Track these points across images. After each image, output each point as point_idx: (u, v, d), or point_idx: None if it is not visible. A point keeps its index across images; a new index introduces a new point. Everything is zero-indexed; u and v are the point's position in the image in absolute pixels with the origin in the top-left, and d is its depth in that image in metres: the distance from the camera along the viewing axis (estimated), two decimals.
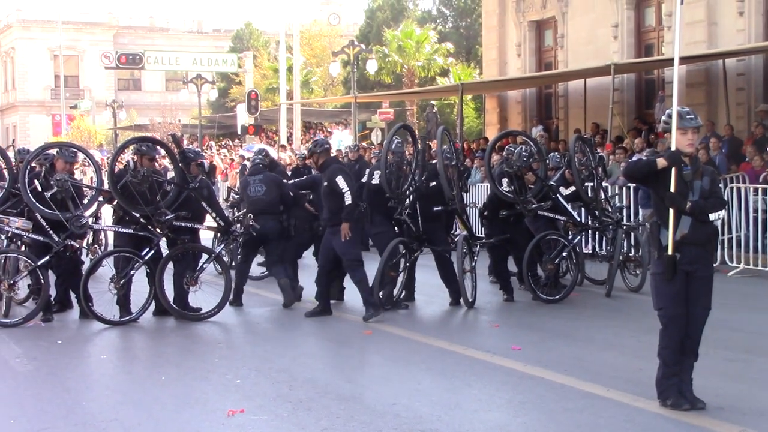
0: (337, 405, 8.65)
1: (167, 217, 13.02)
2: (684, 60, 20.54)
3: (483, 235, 14.95)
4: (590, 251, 17.20)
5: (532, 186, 14.59)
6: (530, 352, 10.73)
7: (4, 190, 13.62)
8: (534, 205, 14.32)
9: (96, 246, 15.99)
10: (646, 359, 9.16)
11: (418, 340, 11.69)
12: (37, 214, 13.06)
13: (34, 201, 12.95)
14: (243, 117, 45.73)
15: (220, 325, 12.90)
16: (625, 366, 9.98)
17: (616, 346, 11.14)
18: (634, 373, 9.52)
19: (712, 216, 8.19)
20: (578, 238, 14.98)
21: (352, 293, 13.98)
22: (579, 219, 15.39)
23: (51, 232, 13.10)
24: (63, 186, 13.10)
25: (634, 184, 17.12)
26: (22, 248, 13.41)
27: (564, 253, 14.51)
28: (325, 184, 13.22)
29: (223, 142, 53.13)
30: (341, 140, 38.77)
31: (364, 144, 32.16)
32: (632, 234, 16.06)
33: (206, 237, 15.84)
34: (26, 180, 12.96)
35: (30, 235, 13.14)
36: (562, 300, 14.08)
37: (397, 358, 10.70)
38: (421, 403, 8.66)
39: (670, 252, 8.12)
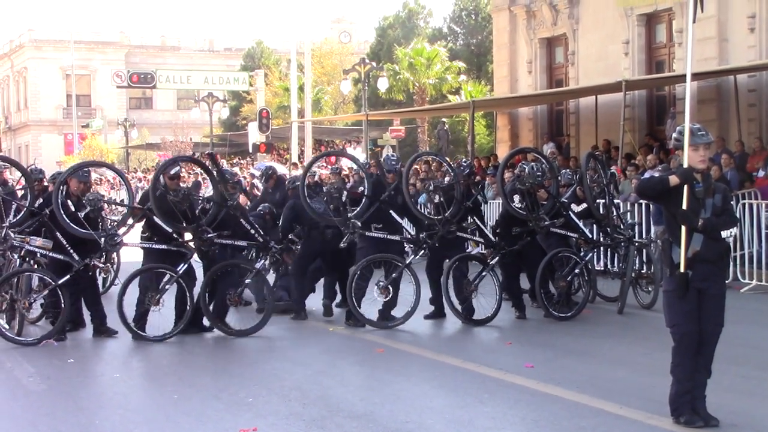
0: (350, 423, 8.65)
1: (209, 235, 13.18)
2: (695, 76, 20.52)
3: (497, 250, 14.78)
4: (602, 268, 17.18)
5: (545, 203, 14.58)
6: (543, 369, 10.71)
7: (24, 209, 13.65)
8: (546, 222, 14.31)
9: (108, 265, 16.04)
10: (659, 376, 9.14)
11: (430, 357, 11.69)
12: (57, 233, 13.14)
13: (68, 221, 13.01)
14: (254, 135, 45.83)
15: (231, 344, 12.91)
16: (638, 383, 9.96)
17: (628, 363, 11.12)
18: (647, 390, 9.49)
19: (724, 233, 8.20)
20: (590, 255, 14.96)
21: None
22: (591, 236, 15.37)
23: (71, 251, 13.17)
24: (96, 205, 13.23)
25: (646, 201, 17.11)
26: (35, 267, 13.48)
27: (576, 270, 14.50)
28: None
29: (234, 161, 53.28)
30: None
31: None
32: (644, 251, 16.02)
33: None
34: (59, 200, 13.00)
35: (50, 254, 13.20)
36: (574, 317, 14.06)
37: (409, 376, 10.69)
38: (434, 421, 8.66)
39: (682, 269, 8.12)
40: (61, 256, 13.22)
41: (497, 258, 14.35)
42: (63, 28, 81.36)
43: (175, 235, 13.38)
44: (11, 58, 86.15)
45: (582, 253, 14.76)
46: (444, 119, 42.63)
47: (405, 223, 14.45)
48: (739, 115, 22.86)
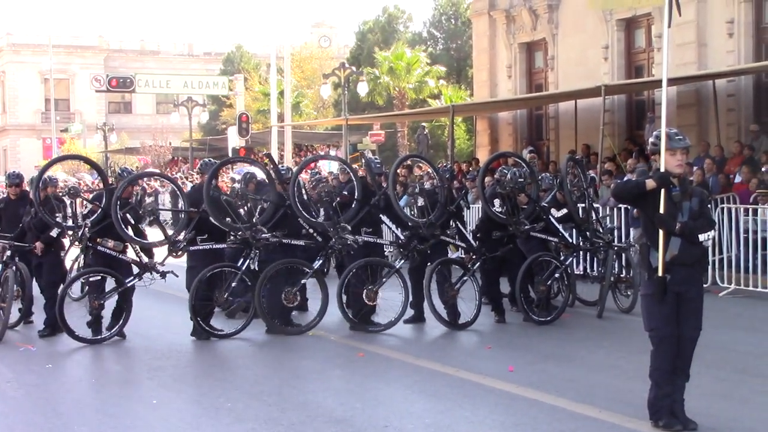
0: (329, 428, 8.63)
1: (263, 235, 13.35)
2: (674, 81, 20.62)
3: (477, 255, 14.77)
4: (581, 272, 17.21)
5: (525, 207, 14.58)
6: (522, 373, 10.72)
7: (100, 210, 13.64)
8: (526, 227, 14.32)
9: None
10: (638, 380, 9.16)
11: (410, 362, 11.68)
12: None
13: (130, 234, 13.20)
14: (234, 139, 45.73)
15: (211, 349, 12.87)
16: (617, 387, 9.99)
17: (607, 367, 11.15)
18: (626, 393, 9.52)
19: (701, 237, 8.21)
20: (570, 259, 14.98)
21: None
22: (571, 240, 15.40)
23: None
24: (154, 214, 13.53)
25: (623, 204, 17.15)
26: (17, 271, 13.59)
27: (556, 275, 14.51)
28: None
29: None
30: (332, 162, 38.76)
31: (355, 166, 32.11)
32: (623, 255, 16.07)
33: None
34: (118, 210, 13.02)
35: (120, 256, 13.41)
36: (553, 321, 14.07)
37: (389, 380, 10.69)
38: (414, 426, 8.65)
39: (660, 273, 8.14)
40: (129, 258, 13.51)
41: (478, 263, 14.36)
42: (41, 32, 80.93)
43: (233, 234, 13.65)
44: None
45: (562, 258, 14.79)
46: (424, 123, 42.61)
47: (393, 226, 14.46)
48: (718, 119, 22.95)
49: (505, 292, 14.94)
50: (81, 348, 12.92)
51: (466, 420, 8.86)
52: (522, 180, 14.43)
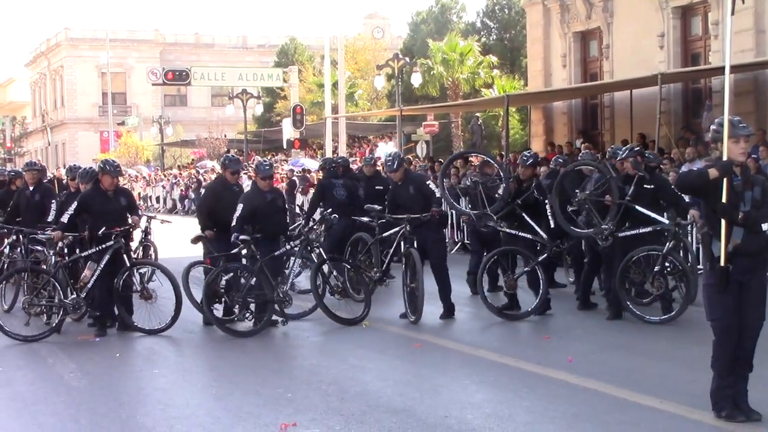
0: (389, 418, 8.66)
1: (491, 223, 14.02)
2: (732, 69, 20.31)
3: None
4: None
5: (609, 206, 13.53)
6: (582, 363, 10.68)
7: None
8: (613, 231, 13.26)
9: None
10: (700, 371, 9.10)
11: (468, 352, 11.68)
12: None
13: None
14: (288, 131, 45.94)
15: (269, 339, 12.95)
16: (679, 377, 9.92)
17: (669, 357, 11.07)
18: (688, 384, 9.45)
19: (765, 226, 8.13)
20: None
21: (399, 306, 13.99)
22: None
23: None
24: (476, 188, 14.16)
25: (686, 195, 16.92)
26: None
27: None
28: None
29: (268, 157, 53.40)
30: (387, 153, 38.81)
31: (409, 157, 32.14)
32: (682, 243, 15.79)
33: None
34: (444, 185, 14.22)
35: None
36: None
37: (447, 371, 10.69)
38: (474, 416, 8.66)
39: (722, 263, 8.06)
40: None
41: (545, 255, 14.05)
42: (99, 27, 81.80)
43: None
44: (48, 57, 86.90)
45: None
46: (478, 114, 42.51)
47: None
48: None
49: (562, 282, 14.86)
50: (141, 339, 13.05)
51: (527, 410, 8.86)
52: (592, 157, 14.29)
